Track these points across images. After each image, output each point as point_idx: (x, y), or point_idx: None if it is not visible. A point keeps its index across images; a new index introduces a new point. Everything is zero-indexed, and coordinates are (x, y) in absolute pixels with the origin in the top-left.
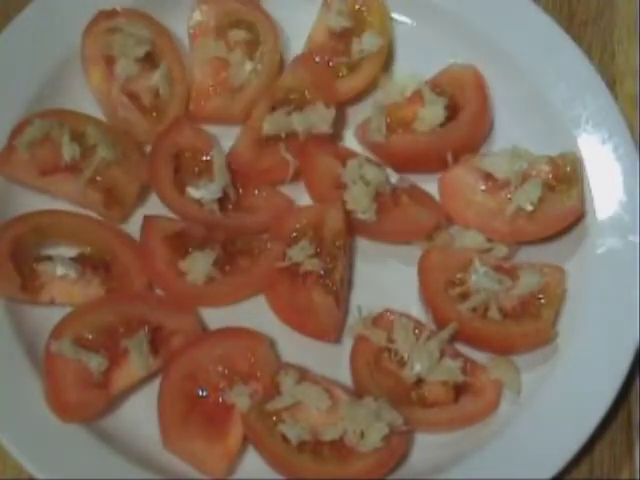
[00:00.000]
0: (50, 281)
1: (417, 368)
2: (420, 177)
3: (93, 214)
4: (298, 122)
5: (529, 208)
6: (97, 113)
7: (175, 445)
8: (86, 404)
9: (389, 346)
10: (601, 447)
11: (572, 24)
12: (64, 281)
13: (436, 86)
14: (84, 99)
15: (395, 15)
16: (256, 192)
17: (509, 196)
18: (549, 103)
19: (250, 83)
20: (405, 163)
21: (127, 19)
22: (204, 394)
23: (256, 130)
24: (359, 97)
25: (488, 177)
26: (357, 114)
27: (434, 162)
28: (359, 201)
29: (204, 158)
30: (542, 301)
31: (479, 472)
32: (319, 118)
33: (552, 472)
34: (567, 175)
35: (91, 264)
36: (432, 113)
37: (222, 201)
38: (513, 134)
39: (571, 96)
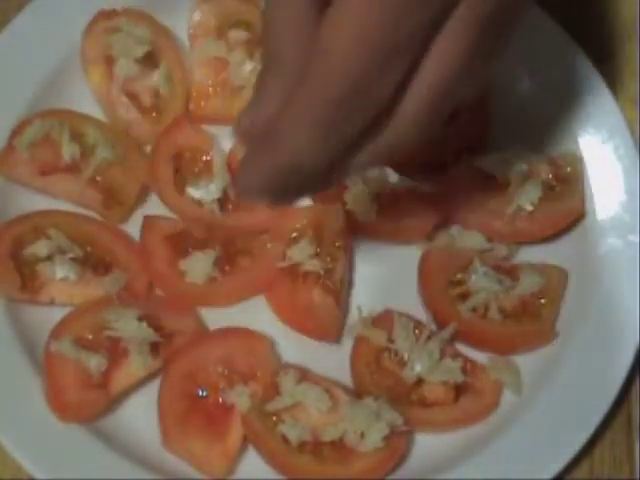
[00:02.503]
0: (50, 281)
1: (417, 368)
2: (420, 177)
3: (93, 214)
4: None
5: (529, 208)
6: (97, 113)
7: (175, 445)
8: (86, 404)
9: (389, 346)
10: (601, 447)
11: (572, 24)
12: (64, 281)
13: None
14: (84, 99)
15: None
16: None
17: (509, 196)
18: (549, 103)
19: (250, 83)
20: (405, 163)
21: (127, 19)
22: (204, 394)
23: None
24: None
25: (488, 177)
26: None
27: (434, 162)
28: (359, 201)
29: (204, 158)
30: (542, 301)
31: (479, 472)
32: None
33: (552, 472)
34: (567, 175)
35: (91, 264)
36: None
37: (222, 201)
38: (513, 134)
39: (571, 96)
